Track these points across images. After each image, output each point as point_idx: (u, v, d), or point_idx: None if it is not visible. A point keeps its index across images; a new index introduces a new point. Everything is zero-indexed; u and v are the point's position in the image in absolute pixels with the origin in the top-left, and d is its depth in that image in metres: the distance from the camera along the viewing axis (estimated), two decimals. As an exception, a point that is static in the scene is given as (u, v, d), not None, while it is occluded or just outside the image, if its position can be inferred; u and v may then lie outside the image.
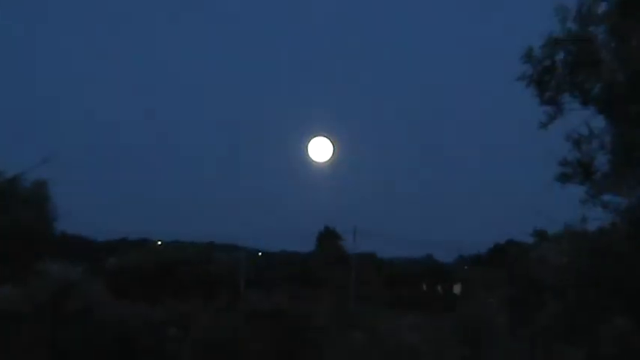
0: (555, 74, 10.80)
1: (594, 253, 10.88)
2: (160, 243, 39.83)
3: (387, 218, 54.78)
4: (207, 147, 72.66)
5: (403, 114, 73.12)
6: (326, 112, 63.62)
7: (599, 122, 10.77)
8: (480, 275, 27.99)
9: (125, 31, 78.25)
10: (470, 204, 54.83)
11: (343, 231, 41.44)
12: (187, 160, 68.17)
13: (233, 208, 61.98)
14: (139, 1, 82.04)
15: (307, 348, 15.43)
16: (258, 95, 79.87)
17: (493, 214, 52.22)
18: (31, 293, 13.99)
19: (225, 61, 78.04)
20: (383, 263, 45.52)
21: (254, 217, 62.27)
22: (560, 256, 12.85)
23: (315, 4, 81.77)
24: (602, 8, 10.42)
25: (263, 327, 15.47)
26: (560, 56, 10.83)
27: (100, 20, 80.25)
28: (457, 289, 40.65)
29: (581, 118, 10.85)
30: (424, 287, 46.19)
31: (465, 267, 42.79)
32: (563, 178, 10.87)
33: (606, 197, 10.37)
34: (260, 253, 49.99)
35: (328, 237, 41.92)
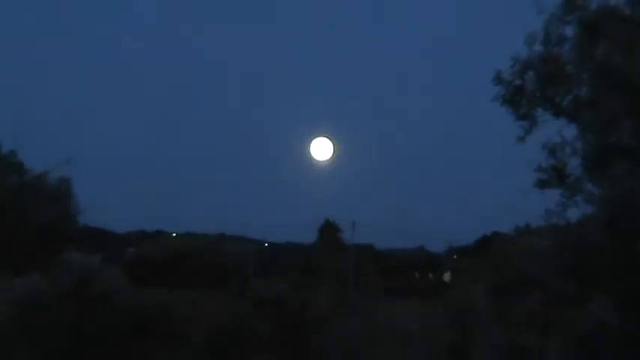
0: (526, 92, 11.04)
1: (572, 246, 10.96)
2: (174, 235, 39.91)
3: (384, 212, 54.77)
4: (219, 148, 72.86)
5: (398, 116, 72.93)
6: (327, 115, 63.69)
7: (571, 130, 11.01)
8: (467, 265, 27.99)
9: (127, 30, 77.96)
10: (460, 200, 54.66)
11: (342, 224, 41.61)
12: (200, 159, 68.13)
13: (242, 202, 62.08)
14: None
15: (309, 333, 15.47)
16: (266, 99, 79.88)
17: (481, 210, 52.32)
18: (56, 281, 14.04)
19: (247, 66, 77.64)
20: (379, 254, 45.63)
21: (261, 211, 62.41)
22: (541, 248, 12.93)
23: (316, 3, 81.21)
24: (568, 31, 10.72)
25: (268, 313, 15.52)
26: (529, 75, 11.10)
27: (110, 21, 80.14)
28: (447, 277, 40.74)
29: (554, 128, 11.08)
30: (417, 276, 46.38)
31: (454, 257, 42.83)
32: (541, 184, 11.04)
33: (579, 197, 10.54)
34: (266, 244, 50.09)
35: (329, 229, 41.96)
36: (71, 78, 78.66)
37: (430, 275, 45.70)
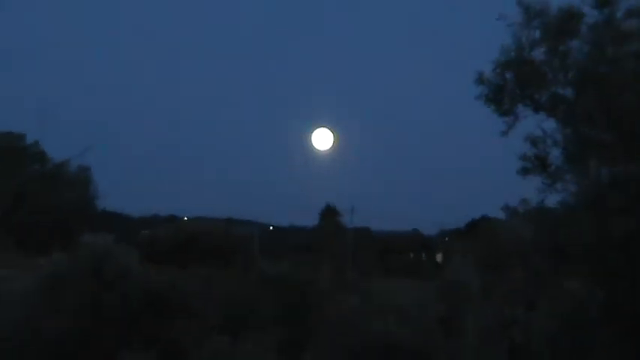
0: (507, 90, 11.25)
1: (553, 228, 11.08)
2: (186, 218, 40.05)
3: (380, 198, 55.06)
4: (228, 139, 73.28)
5: (395, 110, 72.82)
6: (328, 106, 63.74)
7: (550, 124, 11.20)
8: (458, 246, 28.12)
9: (133, 27, 77.55)
10: (451, 186, 54.87)
11: (342, 209, 41.75)
12: (210, 149, 68.72)
13: (249, 188, 62.33)
14: None
15: (311, 308, 15.61)
16: (271, 93, 79.77)
17: (470, 195, 52.51)
18: (75, 260, 14.15)
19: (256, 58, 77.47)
20: (376, 236, 45.84)
21: (266, 196, 62.62)
22: (524, 229, 13.05)
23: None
24: (537, 34, 10.98)
25: (273, 290, 15.64)
26: (509, 76, 11.32)
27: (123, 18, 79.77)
28: (439, 257, 40.92)
29: (534, 122, 11.26)
30: (411, 256, 46.58)
31: (446, 239, 43.00)
32: (524, 172, 11.21)
33: (559, 185, 10.70)
34: (271, 227, 50.26)
35: (329, 213, 42.10)
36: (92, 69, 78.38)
37: (423, 255, 45.91)
